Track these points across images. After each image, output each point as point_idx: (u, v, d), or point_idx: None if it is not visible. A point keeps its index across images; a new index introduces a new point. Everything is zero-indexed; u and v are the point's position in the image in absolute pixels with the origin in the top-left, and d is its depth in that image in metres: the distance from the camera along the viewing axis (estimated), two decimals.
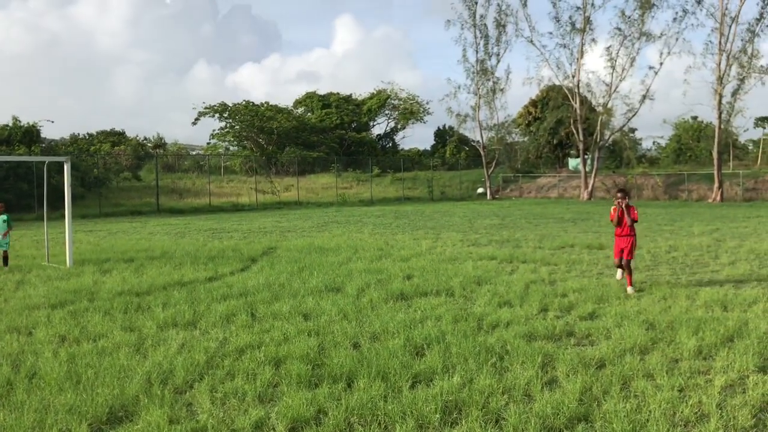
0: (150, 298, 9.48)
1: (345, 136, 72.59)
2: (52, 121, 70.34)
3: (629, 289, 9.87)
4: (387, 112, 79.50)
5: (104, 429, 4.81)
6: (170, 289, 10.34)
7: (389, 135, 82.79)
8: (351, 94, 78.33)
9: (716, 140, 46.30)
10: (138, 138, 68.55)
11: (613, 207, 10.51)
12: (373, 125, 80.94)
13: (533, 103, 65.60)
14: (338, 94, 77.63)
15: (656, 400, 5.10)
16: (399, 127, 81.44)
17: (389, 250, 15.26)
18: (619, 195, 10.40)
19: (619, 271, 10.68)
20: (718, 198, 45.45)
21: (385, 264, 12.83)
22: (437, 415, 4.81)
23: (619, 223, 10.34)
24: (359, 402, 5.07)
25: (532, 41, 54.20)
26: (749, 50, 45.10)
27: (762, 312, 8.27)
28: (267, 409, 5.10)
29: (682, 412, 4.90)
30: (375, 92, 77.94)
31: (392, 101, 77.76)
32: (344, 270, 12.06)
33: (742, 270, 11.94)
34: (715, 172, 46.13)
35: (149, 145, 67.80)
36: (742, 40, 45.33)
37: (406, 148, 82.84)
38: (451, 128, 72.94)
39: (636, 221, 10.36)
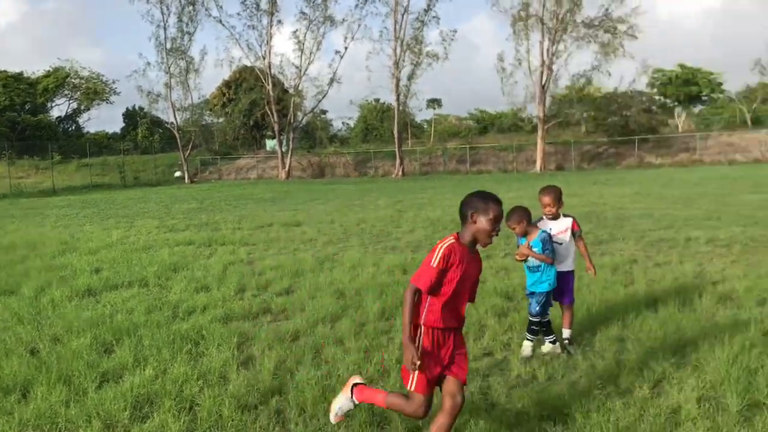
0: None
1: (17, 119, 64.55)
2: None
3: None
4: (67, 92, 72.46)
5: None
6: None
7: (71, 117, 75.75)
8: (22, 72, 69.74)
9: (396, 120, 50.90)
10: None
11: (441, 251, 3.78)
12: (52, 107, 73.27)
13: (227, 84, 65.18)
14: (6, 72, 68.53)
15: (344, 364, 5.44)
16: (82, 108, 74.86)
17: (75, 243, 13.99)
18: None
19: None
20: (401, 173, 50.14)
21: (69, 259, 11.73)
22: (127, 412, 4.54)
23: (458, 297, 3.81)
24: (36, 412, 4.56)
25: (221, 21, 53.78)
26: (419, 38, 50.26)
27: None
28: None
29: (367, 371, 5.29)
30: (51, 70, 70.39)
31: (72, 80, 71.05)
32: (19, 269, 10.73)
33: (418, 236, 13.31)
34: (397, 150, 50.79)
35: None
36: (413, 28, 50.28)
37: (93, 131, 76.79)
38: (141, 109, 69.27)
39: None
